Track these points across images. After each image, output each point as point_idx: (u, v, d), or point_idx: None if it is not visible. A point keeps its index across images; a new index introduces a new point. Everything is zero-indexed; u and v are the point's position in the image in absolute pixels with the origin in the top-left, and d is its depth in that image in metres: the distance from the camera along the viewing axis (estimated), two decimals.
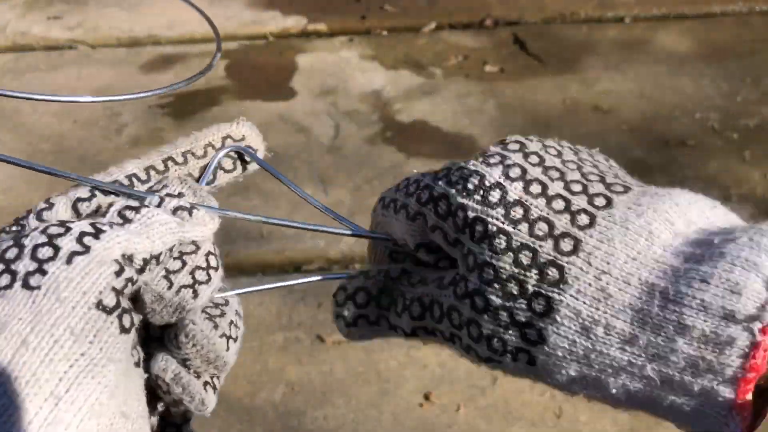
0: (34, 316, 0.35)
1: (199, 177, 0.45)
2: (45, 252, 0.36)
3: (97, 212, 0.40)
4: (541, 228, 0.40)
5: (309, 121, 2.00)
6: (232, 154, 0.47)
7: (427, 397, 1.36)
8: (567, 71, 2.20)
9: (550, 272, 0.39)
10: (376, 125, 2.01)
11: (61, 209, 0.41)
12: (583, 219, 0.40)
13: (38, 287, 0.35)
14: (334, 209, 0.47)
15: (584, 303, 0.38)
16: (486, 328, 0.40)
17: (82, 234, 0.37)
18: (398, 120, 2.04)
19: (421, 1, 2.54)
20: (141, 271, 0.38)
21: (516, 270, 0.39)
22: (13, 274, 0.36)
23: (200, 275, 0.42)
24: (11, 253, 0.37)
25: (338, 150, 1.91)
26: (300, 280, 0.50)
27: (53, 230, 0.37)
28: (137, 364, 0.39)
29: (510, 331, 0.40)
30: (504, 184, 0.42)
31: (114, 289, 0.37)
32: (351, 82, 2.18)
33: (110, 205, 0.40)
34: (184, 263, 0.42)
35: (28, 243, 0.37)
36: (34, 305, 0.35)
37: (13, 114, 2.14)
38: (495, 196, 0.41)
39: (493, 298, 0.40)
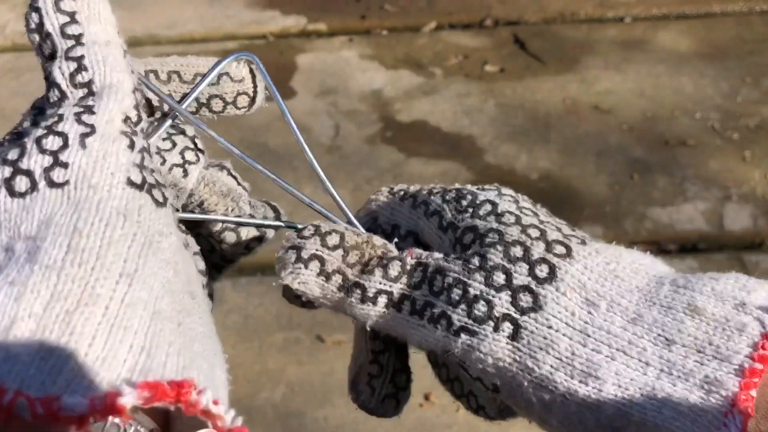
0: (74, 208, 0.32)
1: (186, 96, 0.42)
2: (53, 142, 0.34)
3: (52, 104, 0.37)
4: (547, 226, 0.40)
5: (309, 121, 2.00)
6: (238, 65, 0.43)
7: (427, 398, 1.36)
8: (567, 71, 2.19)
9: (557, 248, 0.38)
10: (376, 125, 2.01)
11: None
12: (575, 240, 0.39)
13: (66, 182, 0.33)
14: (335, 209, 0.46)
15: (590, 278, 0.37)
16: (474, 288, 0.37)
17: (78, 114, 0.35)
18: (398, 120, 2.03)
19: (421, 1, 2.54)
20: (137, 123, 0.36)
21: (523, 237, 0.38)
22: (30, 175, 0.33)
23: (189, 155, 0.42)
24: (14, 154, 0.34)
25: (338, 150, 1.91)
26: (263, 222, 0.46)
27: (47, 121, 0.35)
28: (186, 245, 0.37)
29: (501, 293, 0.37)
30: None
31: (135, 164, 0.34)
32: (351, 82, 2.17)
33: (59, 93, 0.37)
34: (174, 144, 0.42)
35: (28, 138, 0.34)
36: (70, 200, 0.33)
37: (14, 114, 2.14)
38: (508, 196, 0.42)
39: (493, 257, 0.38)
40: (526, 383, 0.36)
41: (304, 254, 0.40)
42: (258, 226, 0.45)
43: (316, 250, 0.40)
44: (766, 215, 1.70)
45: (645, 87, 2.12)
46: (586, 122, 2.01)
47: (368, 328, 0.41)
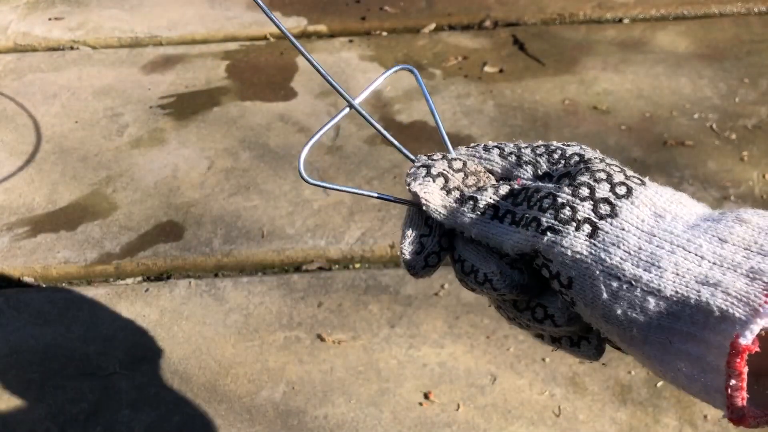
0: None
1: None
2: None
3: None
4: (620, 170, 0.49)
5: (309, 121, 2.01)
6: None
7: (426, 396, 1.36)
8: (566, 72, 2.20)
9: (634, 179, 0.47)
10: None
11: None
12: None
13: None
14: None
15: (659, 199, 0.45)
16: (561, 198, 0.46)
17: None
18: (398, 120, 2.04)
19: (420, 2, 2.55)
20: None
21: (607, 168, 0.47)
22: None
23: None
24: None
25: (338, 150, 1.91)
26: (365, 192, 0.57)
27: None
28: None
29: (585, 203, 0.45)
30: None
31: None
32: (351, 83, 2.18)
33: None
34: None
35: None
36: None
37: (15, 115, 2.15)
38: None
39: (581, 178, 0.46)
40: (598, 272, 0.43)
41: (433, 171, 0.52)
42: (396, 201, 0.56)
43: (443, 169, 0.52)
44: None
45: (643, 87, 2.13)
46: (585, 123, 2.02)
47: (468, 235, 0.50)
